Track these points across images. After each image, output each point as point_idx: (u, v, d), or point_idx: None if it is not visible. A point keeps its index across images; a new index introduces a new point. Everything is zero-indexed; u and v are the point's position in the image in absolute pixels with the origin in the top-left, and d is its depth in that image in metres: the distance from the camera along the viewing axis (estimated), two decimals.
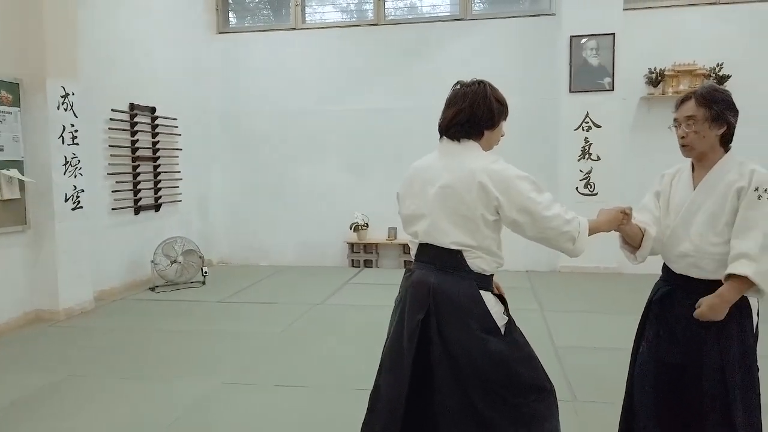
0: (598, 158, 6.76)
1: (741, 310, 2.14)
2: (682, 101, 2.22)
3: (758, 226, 2.08)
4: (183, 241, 6.43)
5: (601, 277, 6.59)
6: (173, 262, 6.30)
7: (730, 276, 2.10)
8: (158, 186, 6.76)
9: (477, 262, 1.99)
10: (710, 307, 2.12)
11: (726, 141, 2.21)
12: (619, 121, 6.76)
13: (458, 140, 2.01)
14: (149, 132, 6.64)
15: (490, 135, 2.04)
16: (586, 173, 6.81)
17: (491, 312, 1.99)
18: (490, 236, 1.98)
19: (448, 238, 1.98)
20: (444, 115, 2.05)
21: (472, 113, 1.98)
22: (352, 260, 7.69)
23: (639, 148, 6.72)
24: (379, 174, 7.53)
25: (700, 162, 2.26)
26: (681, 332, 2.30)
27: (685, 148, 2.22)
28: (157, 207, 6.76)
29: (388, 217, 7.49)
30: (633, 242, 2.35)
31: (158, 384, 3.57)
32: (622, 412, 2.47)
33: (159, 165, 6.77)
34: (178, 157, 7.15)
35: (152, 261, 6.22)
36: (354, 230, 7.50)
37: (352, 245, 7.67)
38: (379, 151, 7.52)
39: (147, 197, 6.59)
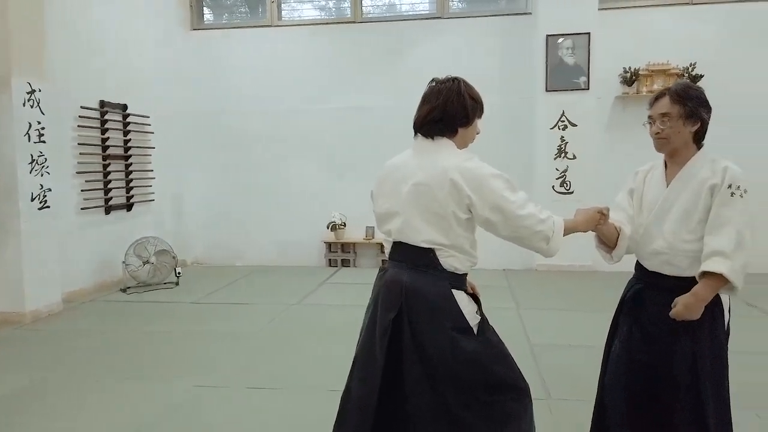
0: (574, 157, 6.80)
1: (713, 308, 2.14)
2: (657, 98, 2.22)
3: (731, 223, 2.08)
4: (156, 241, 6.30)
5: (577, 275, 6.63)
6: (145, 262, 6.17)
7: (704, 274, 2.10)
8: (130, 185, 6.62)
9: (450, 261, 1.96)
10: (686, 306, 2.12)
11: (699, 138, 2.21)
12: (595, 120, 6.81)
13: (432, 138, 1.99)
14: (120, 130, 6.49)
15: (465, 133, 2.02)
16: (563, 172, 6.85)
17: (464, 311, 1.97)
18: (462, 235, 1.96)
19: (420, 236, 1.95)
20: (418, 112, 2.02)
21: (446, 110, 1.96)
22: (330, 260, 7.63)
23: (614, 147, 6.77)
24: (357, 173, 7.47)
25: (673, 159, 2.26)
26: (653, 330, 2.30)
27: (661, 141, 2.21)
28: (128, 206, 6.62)
29: (366, 216, 7.40)
30: (609, 242, 2.35)
31: (126, 389, 3.47)
32: (594, 410, 2.47)
33: (131, 164, 6.63)
34: (150, 155, 7.01)
35: (124, 262, 6.08)
36: (331, 229, 7.44)
37: (329, 245, 7.61)
38: (356, 150, 7.47)
39: (118, 197, 6.44)
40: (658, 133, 2.20)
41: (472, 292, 2.13)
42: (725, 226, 2.09)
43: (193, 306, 5.51)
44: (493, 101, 7.15)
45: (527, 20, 6.99)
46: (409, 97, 7.91)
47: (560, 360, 3.88)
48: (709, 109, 2.20)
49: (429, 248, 1.94)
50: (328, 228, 7.46)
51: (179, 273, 6.43)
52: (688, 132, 2.17)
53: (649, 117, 2.25)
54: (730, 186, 2.08)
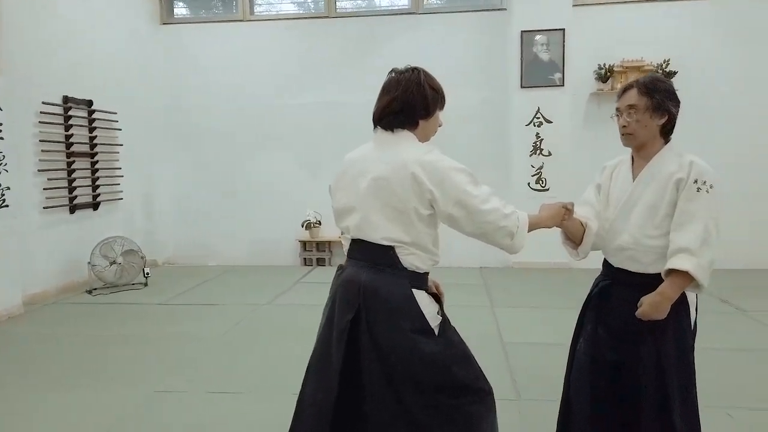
0: (550, 153, 6.77)
1: (678, 307, 2.09)
2: (624, 90, 2.17)
3: (697, 219, 2.03)
4: (123, 240, 6.12)
5: (552, 272, 6.60)
6: (112, 263, 5.99)
7: (670, 272, 2.05)
8: (96, 183, 6.42)
9: (410, 259, 1.89)
10: (651, 306, 2.06)
11: (667, 132, 2.16)
12: (570, 117, 6.79)
13: (392, 130, 1.91)
14: (86, 126, 6.30)
15: (426, 125, 1.95)
16: (538, 168, 6.81)
17: (424, 312, 1.89)
18: (424, 231, 1.88)
19: (379, 233, 1.87)
20: (377, 104, 1.95)
21: (406, 101, 1.88)
22: (305, 259, 7.51)
23: (589, 144, 6.74)
24: (332, 170, 7.11)
25: (640, 153, 2.21)
26: (618, 328, 2.24)
27: (627, 136, 2.17)
28: (95, 205, 6.42)
29: None
30: (575, 238, 2.30)
31: (80, 395, 3.33)
32: (560, 410, 2.41)
33: (97, 161, 6.43)
34: (118, 153, 6.81)
35: (89, 262, 5.90)
36: (306, 228, 7.32)
37: (304, 243, 7.48)
38: (331, 147, 7.32)
39: (84, 195, 6.24)
40: (625, 126, 2.15)
41: (434, 291, 2.06)
42: (691, 222, 2.04)
43: (160, 307, 5.36)
44: (468, 97, 7.23)
45: (502, 16, 6.93)
46: None
47: (532, 359, 3.82)
48: (677, 102, 2.14)
49: (388, 246, 1.86)
50: (302, 226, 7.34)
51: (148, 273, 6.25)
52: (655, 125, 2.12)
53: (617, 109, 2.20)
54: (696, 181, 2.03)
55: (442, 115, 2.01)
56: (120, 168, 6.83)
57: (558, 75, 6.67)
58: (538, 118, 6.75)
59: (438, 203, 1.81)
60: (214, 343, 4.23)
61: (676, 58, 6.57)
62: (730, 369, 3.59)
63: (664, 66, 6.58)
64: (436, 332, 1.93)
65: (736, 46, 6.64)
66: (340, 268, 2.03)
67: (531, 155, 6.80)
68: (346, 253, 2.03)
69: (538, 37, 6.65)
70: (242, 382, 3.47)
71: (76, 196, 6.08)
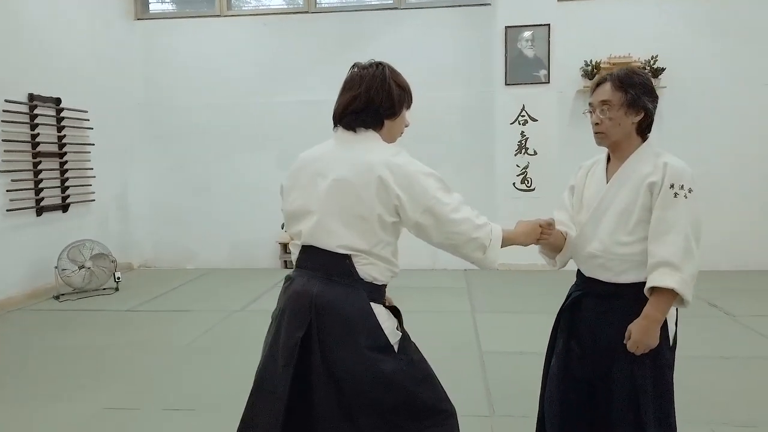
0: (535, 153, 6.59)
1: None
2: (598, 85, 1.99)
3: (677, 228, 1.83)
4: (92, 244, 5.89)
5: (539, 274, 6.42)
6: (81, 267, 5.76)
7: (653, 290, 1.86)
8: (66, 184, 6.19)
9: (368, 270, 1.72)
10: (640, 332, 1.87)
11: (643, 129, 1.98)
12: (556, 115, 6.61)
13: (354, 130, 1.78)
14: (54, 125, 6.05)
15: (392, 125, 1.81)
16: (523, 168, 6.62)
17: (383, 327, 1.71)
18: (385, 240, 1.72)
19: (336, 240, 1.69)
20: (338, 100, 1.81)
21: (369, 100, 1.75)
22: (285, 261, 7.30)
23: (576, 143, 6.51)
24: None
25: (615, 153, 2.03)
26: (590, 344, 2.06)
27: (599, 135, 1.99)
28: (64, 207, 6.18)
29: None
30: (556, 249, 2.14)
31: (30, 409, 3.12)
32: (536, 429, 2.25)
33: (66, 161, 6.19)
34: (89, 152, 6.57)
35: (56, 267, 5.67)
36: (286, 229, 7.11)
37: (284, 245, 7.27)
38: (312, 145, 7.10)
39: (52, 197, 6.00)
40: (597, 123, 1.97)
41: (389, 305, 1.87)
42: (670, 232, 1.84)
43: (128, 314, 5.14)
44: (451, 95, 7.05)
45: (486, 11, 6.74)
46: None
47: (510, 370, 3.64)
48: (654, 98, 1.96)
49: (344, 254, 1.70)
50: (283, 228, 7.12)
51: (119, 278, 6.03)
52: (629, 123, 1.94)
53: (590, 104, 2.02)
54: (672, 186, 1.84)
55: (409, 114, 1.87)
56: (92, 168, 6.59)
57: (543, 72, 6.48)
58: (523, 116, 6.56)
59: (405, 210, 1.67)
60: (178, 353, 4.02)
61: (664, 55, 6.39)
62: (717, 379, 3.41)
63: (651, 62, 6.40)
64: (396, 349, 1.76)
65: (724, 43, 6.47)
66: (288, 279, 1.84)
67: (516, 155, 6.61)
68: (294, 262, 1.84)
69: (522, 32, 6.46)
70: (199, 397, 3.26)
71: (43, 198, 5.85)
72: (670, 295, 1.83)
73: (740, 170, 6.47)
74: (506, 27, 6.46)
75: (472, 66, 6.83)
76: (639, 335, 1.87)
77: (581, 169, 2.24)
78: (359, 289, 1.70)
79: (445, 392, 1.85)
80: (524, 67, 6.48)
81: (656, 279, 1.82)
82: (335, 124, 1.83)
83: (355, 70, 1.82)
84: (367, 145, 1.74)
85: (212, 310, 5.19)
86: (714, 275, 5.63)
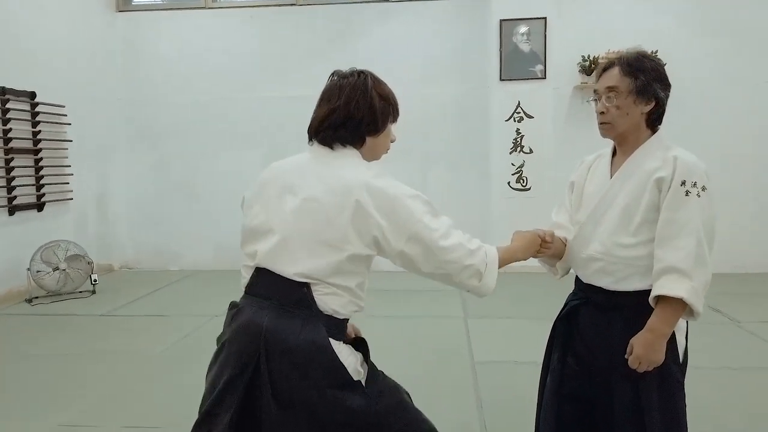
0: (531, 151, 6.35)
1: None
2: (605, 69, 1.78)
3: (688, 230, 1.61)
4: (67, 244, 5.63)
5: (536, 277, 6.13)
6: (55, 269, 5.50)
7: (659, 299, 1.63)
8: (41, 182, 5.91)
9: (328, 301, 1.50)
10: (644, 346, 1.64)
11: (653, 121, 1.76)
12: (552, 112, 6.38)
13: (331, 147, 1.58)
14: (28, 120, 5.78)
15: (375, 141, 1.61)
16: (519, 167, 6.39)
17: (345, 364, 1.47)
18: (354, 272, 1.51)
19: (294, 266, 1.48)
20: (315, 113, 1.61)
21: (349, 114, 1.55)
22: None
23: (573, 140, 6.33)
24: None
25: (622, 146, 1.81)
26: (588, 359, 1.84)
27: (604, 126, 1.77)
28: (39, 206, 5.91)
29: None
30: (556, 256, 1.95)
31: None
32: None
33: (41, 158, 5.92)
34: (67, 149, 6.30)
35: (28, 269, 5.40)
36: None
37: None
38: (299, 144, 6.76)
39: (26, 195, 5.73)
40: (603, 113, 1.75)
41: (353, 336, 1.65)
42: (680, 236, 1.62)
43: (101, 319, 4.88)
44: (443, 91, 6.80)
45: (480, 4, 6.50)
46: None
47: (504, 382, 3.40)
48: (666, 85, 1.75)
49: (302, 282, 1.47)
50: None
51: (95, 281, 5.76)
52: (638, 113, 1.72)
53: (595, 92, 1.80)
54: (683, 183, 1.62)
55: (395, 128, 1.67)
56: (69, 166, 6.32)
57: (539, 67, 6.25)
58: (519, 113, 6.33)
59: (388, 239, 1.47)
60: (150, 363, 3.77)
61: (663, 50, 6.14)
62: (724, 392, 3.18)
63: None
64: (363, 382, 1.53)
65: (722, 41, 6.27)
66: (234, 306, 1.59)
67: (511, 153, 6.38)
68: (243, 287, 1.59)
69: (518, 26, 6.23)
70: (165, 413, 3.01)
71: (15, 196, 5.57)
72: (679, 305, 1.61)
73: (737, 169, 6.27)
74: (501, 20, 6.22)
75: (465, 61, 6.60)
76: (642, 350, 1.65)
77: (583, 163, 2.02)
78: (317, 322, 1.47)
79: (421, 414, 1.66)
80: (520, 62, 6.25)
81: (663, 287, 1.61)
82: (310, 138, 1.63)
83: (335, 78, 1.62)
84: (345, 163, 1.54)
85: (192, 314, 4.94)
86: (716, 278, 5.41)
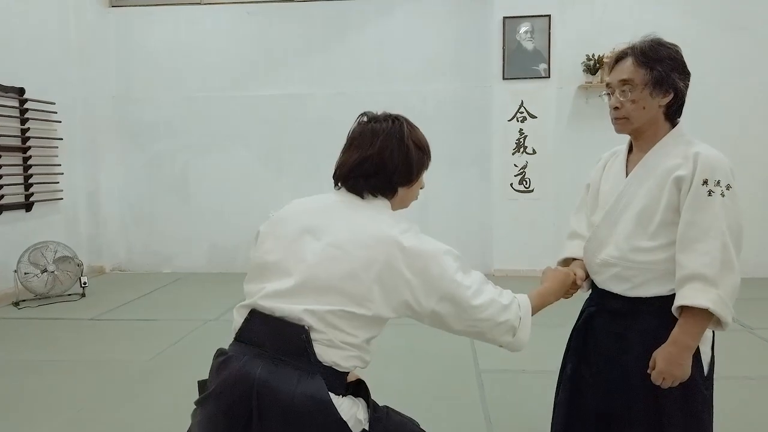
0: (534, 152, 6.20)
1: None
2: (617, 60, 1.64)
3: (712, 234, 1.47)
4: (56, 245, 5.44)
5: (537, 280, 6.00)
6: (43, 271, 5.31)
7: (683, 309, 1.49)
8: (29, 181, 5.73)
9: (329, 352, 1.34)
10: (667, 361, 1.51)
11: (673, 114, 1.62)
12: (556, 112, 6.23)
13: (360, 195, 1.47)
14: (16, 117, 5.60)
15: (406, 192, 1.52)
16: (521, 168, 6.24)
17: (345, 418, 1.32)
18: (364, 328, 1.37)
19: (298, 307, 1.33)
20: (343, 156, 1.50)
21: (383, 164, 1.44)
22: None
23: (577, 141, 6.20)
24: (297, 167, 6.76)
25: (638, 141, 1.68)
26: (603, 371, 1.70)
27: (619, 121, 1.64)
28: (28, 206, 5.72)
29: None
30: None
31: None
32: None
33: (30, 156, 5.74)
34: (57, 147, 6.12)
35: (15, 270, 5.21)
36: None
37: None
38: (296, 142, 6.74)
39: (13, 194, 5.54)
40: (617, 108, 1.61)
41: (352, 380, 1.51)
42: (704, 240, 1.48)
43: (91, 323, 4.69)
44: (444, 90, 6.64)
45: (482, 1, 6.34)
46: (352, 84, 7.17)
47: (511, 391, 3.24)
48: (685, 74, 1.62)
49: (301, 326, 1.32)
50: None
51: (85, 283, 5.57)
52: (656, 106, 1.59)
53: (608, 85, 1.66)
54: (705, 182, 1.49)
55: (426, 175, 1.58)
56: (59, 165, 6.14)
57: (543, 66, 6.10)
58: (522, 112, 6.18)
59: (419, 299, 1.36)
60: (136, 371, 3.58)
61: None
62: (746, 404, 3.02)
63: None
64: (367, 429, 1.39)
65: (728, 36, 6.13)
66: (222, 354, 1.43)
67: (514, 153, 6.23)
68: (234, 332, 1.44)
69: (521, 24, 6.08)
70: (153, 424, 2.83)
71: (3, 196, 5.39)
72: (704, 316, 1.47)
73: (743, 168, 6.10)
74: (504, 18, 6.07)
75: (467, 59, 6.44)
76: (665, 365, 1.51)
77: (599, 161, 1.89)
78: (315, 374, 1.32)
79: None
80: (523, 60, 6.10)
81: (687, 296, 1.48)
82: (336, 183, 1.51)
83: (365, 121, 1.51)
84: (375, 214, 1.43)
85: (184, 319, 4.76)
86: None
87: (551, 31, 6.05)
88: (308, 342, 1.32)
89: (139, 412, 2.99)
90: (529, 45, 6.09)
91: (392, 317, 1.39)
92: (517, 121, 6.19)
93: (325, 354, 1.33)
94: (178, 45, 6.76)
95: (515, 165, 6.23)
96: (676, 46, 1.66)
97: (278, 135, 6.76)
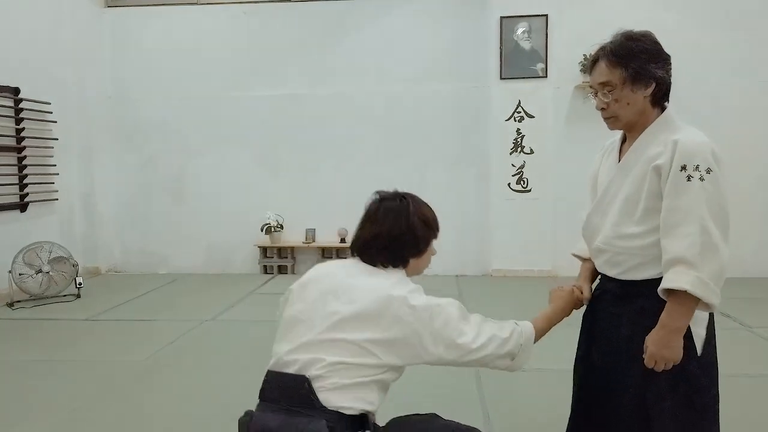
0: (532, 151, 6.19)
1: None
2: (593, 63, 1.67)
3: (691, 217, 1.50)
4: (51, 246, 5.40)
5: (535, 281, 6.01)
6: (38, 271, 5.27)
7: (669, 293, 1.52)
8: (24, 181, 5.69)
9: (332, 397, 1.47)
10: (657, 344, 1.55)
11: (659, 100, 1.64)
12: (554, 111, 6.22)
13: (374, 265, 1.66)
14: (11, 117, 5.56)
15: (417, 261, 1.70)
16: (519, 168, 6.23)
17: None
18: (371, 376, 1.51)
19: (306, 357, 1.51)
20: (359, 232, 1.70)
21: (393, 239, 1.64)
22: (265, 266, 6.84)
23: (574, 141, 6.18)
24: (294, 168, 6.74)
25: (631, 131, 1.71)
26: (605, 350, 1.76)
27: (609, 120, 1.69)
28: (23, 206, 5.68)
29: (305, 217, 6.73)
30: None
31: None
32: None
33: (25, 156, 5.70)
34: (52, 147, 6.08)
35: (10, 271, 5.17)
36: (266, 232, 6.66)
37: (264, 249, 6.82)
38: (292, 143, 6.72)
39: (9, 194, 5.50)
40: (604, 109, 1.65)
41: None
42: (683, 224, 1.51)
43: (86, 324, 4.65)
44: (442, 90, 6.62)
45: (480, 1, 6.34)
46: (349, 85, 7.14)
47: (511, 390, 3.21)
48: (663, 61, 1.63)
49: (303, 376, 1.48)
50: (262, 231, 6.67)
51: (80, 284, 5.53)
52: (640, 98, 1.62)
53: (591, 87, 1.71)
54: (683, 167, 1.52)
55: (436, 243, 1.75)
56: (54, 165, 6.10)
57: (540, 65, 6.10)
58: (519, 112, 6.17)
59: (426, 347, 1.53)
60: (131, 371, 3.53)
61: (667, 47, 6.01)
62: (747, 402, 3.00)
63: None
64: None
65: (726, 35, 6.13)
66: (247, 415, 1.55)
67: (511, 153, 6.22)
68: (261, 392, 1.58)
69: (519, 23, 6.08)
70: (148, 424, 2.79)
71: None
72: (688, 298, 1.50)
73: (741, 167, 6.11)
74: (501, 17, 6.07)
75: (464, 58, 6.43)
76: (656, 348, 1.55)
77: (599, 150, 1.92)
78: (320, 419, 1.44)
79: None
80: (520, 60, 6.10)
81: (669, 279, 1.52)
82: (353, 254, 1.71)
83: (378, 200, 1.71)
84: (388, 278, 1.62)
85: (180, 319, 4.72)
86: (726, 282, 5.25)
87: (548, 30, 6.06)
88: (311, 391, 1.46)
89: (135, 413, 2.95)
90: (526, 45, 6.09)
91: (398, 365, 1.54)
92: (515, 120, 6.18)
93: (330, 400, 1.46)
94: (174, 45, 6.74)
95: (513, 165, 6.22)
96: (647, 34, 1.66)
97: (275, 135, 6.74)
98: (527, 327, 1.68)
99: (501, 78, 6.13)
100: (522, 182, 6.23)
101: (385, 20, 6.52)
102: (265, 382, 1.57)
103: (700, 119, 5.90)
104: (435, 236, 1.73)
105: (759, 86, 6.12)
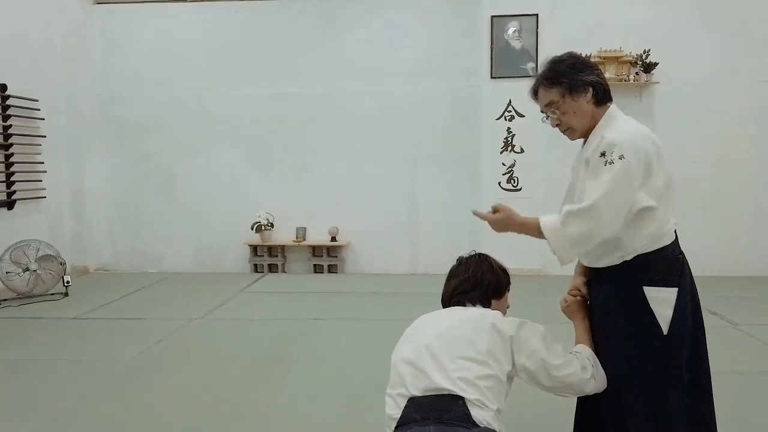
0: (522, 150, 6.21)
1: (628, 303, 1.75)
2: (534, 93, 1.90)
3: (595, 189, 1.67)
4: (38, 244, 5.35)
5: (525, 279, 6.01)
6: (25, 269, 5.22)
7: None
8: (11, 179, 5.64)
9: (481, 415, 1.60)
10: (503, 222, 1.83)
11: (600, 100, 1.83)
12: None
13: (463, 305, 1.89)
14: None
15: (497, 304, 1.93)
16: (509, 167, 6.24)
17: None
18: (494, 389, 1.65)
19: (446, 380, 1.64)
20: (446, 286, 1.97)
21: (478, 281, 1.89)
22: (255, 265, 6.82)
23: (565, 140, 6.14)
24: (285, 167, 6.73)
25: (588, 133, 1.89)
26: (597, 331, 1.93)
27: (567, 132, 1.88)
28: (10, 204, 5.64)
29: (296, 215, 6.71)
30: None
31: None
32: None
33: (12, 154, 5.65)
34: (40, 145, 6.04)
35: None
36: (256, 231, 6.64)
37: (254, 248, 6.80)
38: (284, 142, 6.71)
39: None
40: (558, 125, 1.86)
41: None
42: (586, 198, 1.71)
43: (73, 323, 4.61)
44: (433, 88, 6.63)
45: (471, 0, 6.35)
46: (341, 84, 7.13)
47: (511, 391, 3.20)
48: (590, 68, 1.83)
49: (457, 396, 1.60)
50: (252, 229, 6.65)
51: (68, 282, 5.48)
52: (584, 104, 1.80)
53: (541, 111, 1.88)
54: (603, 154, 1.68)
55: (510, 296, 1.99)
56: (42, 162, 6.05)
57: (531, 65, 6.11)
58: (510, 111, 6.19)
59: (514, 352, 1.73)
60: (117, 371, 3.50)
61: (656, 48, 6.08)
62: (734, 398, 3.02)
63: (644, 56, 6.08)
64: None
65: (717, 36, 6.18)
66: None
67: (502, 152, 6.23)
68: (391, 420, 1.67)
69: (509, 23, 6.09)
70: (135, 424, 2.77)
71: None
72: (541, 233, 1.75)
73: (734, 166, 6.18)
74: (492, 16, 6.09)
75: (455, 58, 6.44)
76: (500, 220, 1.83)
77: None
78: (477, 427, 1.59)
79: None
80: (511, 59, 6.11)
81: (545, 214, 1.79)
82: (444, 305, 1.93)
83: (462, 258, 1.99)
84: (476, 309, 1.85)
85: (169, 318, 4.69)
86: (707, 281, 5.30)
87: (539, 30, 6.08)
88: (465, 408, 1.57)
89: (122, 411, 2.92)
90: (517, 44, 6.11)
91: (511, 370, 1.70)
92: (505, 119, 6.19)
93: (479, 416, 1.58)
94: (165, 43, 6.71)
95: (503, 164, 6.23)
96: (569, 53, 1.88)
97: (266, 134, 6.72)
98: (586, 350, 1.84)
99: (492, 77, 6.15)
100: (512, 181, 6.24)
101: (377, 19, 6.52)
102: (407, 407, 1.62)
103: (690, 120, 6.05)
104: (508, 287, 1.96)
105: (749, 87, 6.16)
